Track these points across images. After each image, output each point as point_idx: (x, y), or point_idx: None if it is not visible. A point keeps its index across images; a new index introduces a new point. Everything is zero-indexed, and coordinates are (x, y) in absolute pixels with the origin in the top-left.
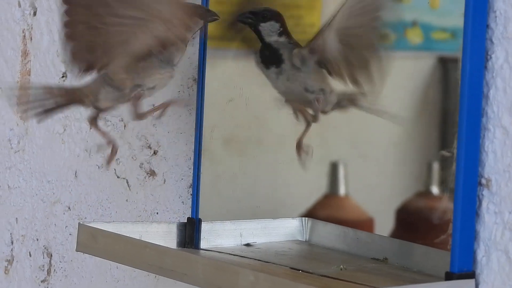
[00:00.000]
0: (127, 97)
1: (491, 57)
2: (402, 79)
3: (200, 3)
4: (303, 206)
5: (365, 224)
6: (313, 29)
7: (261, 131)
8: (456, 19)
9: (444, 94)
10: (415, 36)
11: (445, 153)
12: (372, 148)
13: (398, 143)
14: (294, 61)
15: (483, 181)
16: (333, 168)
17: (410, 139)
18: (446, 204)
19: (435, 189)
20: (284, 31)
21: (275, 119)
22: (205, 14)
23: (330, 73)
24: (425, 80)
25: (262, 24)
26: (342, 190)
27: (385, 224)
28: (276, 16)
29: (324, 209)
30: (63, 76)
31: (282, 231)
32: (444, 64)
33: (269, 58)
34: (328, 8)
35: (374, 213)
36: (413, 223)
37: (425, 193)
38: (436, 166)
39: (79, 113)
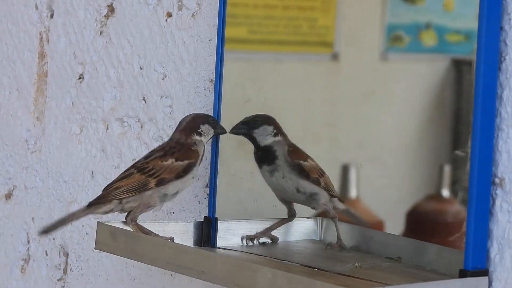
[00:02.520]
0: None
1: (505, 59)
2: (416, 81)
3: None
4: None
5: (376, 227)
6: (328, 31)
7: None
8: (470, 22)
9: (457, 96)
10: (429, 39)
11: (459, 153)
12: (383, 150)
13: (410, 145)
14: (287, 159)
15: (497, 180)
16: (344, 171)
17: (422, 141)
18: (458, 207)
19: (445, 192)
20: (278, 132)
21: (291, 119)
22: (215, 123)
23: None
24: (439, 82)
25: (255, 131)
26: (353, 193)
27: (396, 227)
28: (267, 120)
29: (336, 212)
30: (79, 78)
31: (297, 230)
32: (458, 66)
33: (261, 157)
34: (342, 11)
35: (385, 216)
36: (423, 226)
37: (436, 195)
38: (447, 169)
39: (96, 114)
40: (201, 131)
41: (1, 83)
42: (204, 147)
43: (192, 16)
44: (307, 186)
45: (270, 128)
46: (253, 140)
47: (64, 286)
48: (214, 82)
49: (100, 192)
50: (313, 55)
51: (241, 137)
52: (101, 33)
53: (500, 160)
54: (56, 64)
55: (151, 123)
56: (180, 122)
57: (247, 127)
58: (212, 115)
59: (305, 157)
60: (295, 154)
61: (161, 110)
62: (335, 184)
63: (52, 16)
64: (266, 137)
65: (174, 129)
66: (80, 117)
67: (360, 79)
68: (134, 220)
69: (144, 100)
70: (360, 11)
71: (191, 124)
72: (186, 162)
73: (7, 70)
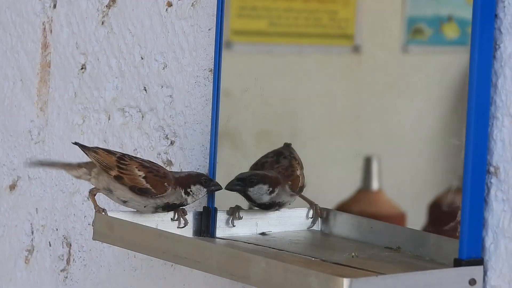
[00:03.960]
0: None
1: (499, 47)
2: (438, 73)
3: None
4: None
5: (397, 219)
6: (348, 23)
7: (277, 120)
8: None
9: None
10: (451, 31)
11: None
12: (405, 142)
13: (432, 137)
14: (293, 193)
15: (492, 169)
16: (367, 163)
17: (444, 133)
18: None
19: None
20: (273, 189)
21: (313, 112)
22: (207, 182)
23: None
24: (461, 75)
25: (250, 189)
26: (375, 185)
27: (418, 219)
28: (263, 179)
29: (357, 204)
30: (82, 68)
31: (297, 221)
32: None
33: (268, 206)
34: (363, 3)
35: (407, 208)
36: (445, 218)
37: (459, 188)
38: None
39: (98, 104)
40: (190, 191)
41: (5, 74)
42: (181, 203)
43: (192, 6)
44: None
45: (265, 187)
46: (247, 197)
47: (67, 277)
48: (213, 72)
49: None
50: (334, 48)
51: (242, 127)
52: (102, 23)
53: (495, 148)
54: (59, 55)
55: (152, 113)
56: (179, 172)
57: (243, 184)
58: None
59: (296, 173)
60: (296, 182)
61: (161, 100)
62: (358, 176)
63: (55, 6)
64: (261, 196)
65: (174, 119)
66: (83, 108)
67: (381, 71)
68: (92, 193)
69: (145, 90)
70: (381, 3)
71: (184, 181)
72: (147, 185)
73: (10, 61)
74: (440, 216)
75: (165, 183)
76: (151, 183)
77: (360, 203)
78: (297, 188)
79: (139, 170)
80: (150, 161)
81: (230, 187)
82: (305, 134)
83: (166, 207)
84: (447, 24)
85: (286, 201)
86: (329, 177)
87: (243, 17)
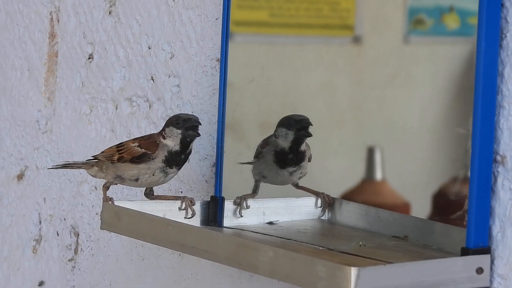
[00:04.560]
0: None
1: (505, 36)
2: (439, 64)
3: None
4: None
5: (401, 209)
6: (349, 14)
7: (283, 109)
8: None
9: None
10: (452, 22)
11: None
12: (407, 133)
13: (434, 127)
14: (310, 156)
15: (498, 158)
16: (370, 153)
17: (446, 123)
18: None
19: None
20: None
21: (316, 103)
22: (180, 123)
23: None
24: (462, 65)
25: None
26: (378, 175)
27: (421, 209)
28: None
29: (361, 194)
30: (89, 58)
31: (304, 210)
32: None
33: (292, 159)
34: None
35: (410, 198)
36: (448, 208)
37: (462, 178)
38: None
39: (105, 94)
40: (165, 133)
41: (13, 64)
42: (169, 150)
43: None
44: (305, 171)
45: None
46: (298, 141)
47: (75, 266)
48: (220, 61)
49: None
50: (335, 38)
51: (249, 116)
52: (110, 13)
53: (501, 137)
54: (66, 44)
55: (159, 103)
56: None
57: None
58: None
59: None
60: (309, 148)
61: (169, 90)
62: (359, 167)
63: None
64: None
65: (181, 109)
66: (90, 97)
67: (382, 62)
68: (105, 186)
69: (153, 80)
70: None
71: (163, 127)
72: (142, 150)
73: (18, 51)
74: (443, 206)
75: (156, 141)
76: (145, 147)
77: (364, 193)
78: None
79: (133, 143)
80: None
81: (308, 133)
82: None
83: (170, 162)
84: (448, 14)
85: (305, 161)
86: (332, 168)
87: (244, 8)
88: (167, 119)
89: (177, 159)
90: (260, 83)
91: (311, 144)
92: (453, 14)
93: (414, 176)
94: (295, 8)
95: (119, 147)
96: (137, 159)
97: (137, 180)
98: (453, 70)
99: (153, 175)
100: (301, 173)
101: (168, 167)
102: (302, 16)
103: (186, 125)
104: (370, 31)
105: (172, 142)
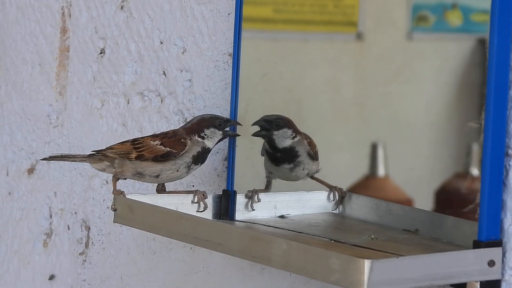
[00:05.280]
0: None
1: None
2: (442, 61)
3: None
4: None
5: (406, 204)
6: (353, 10)
7: (295, 104)
8: None
9: (483, 76)
10: (455, 18)
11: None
12: (410, 129)
13: (437, 124)
14: (309, 152)
15: (510, 151)
16: (373, 149)
17: (449, 120)
18: None
19: (474, 170)
20: (296, 134)
21: (319, 99)
22: (222, 125)
23: None
24: (465, 62)
25: (275, 132)
26: (381, 171)
27: (424, 205)
28: (288, 123)
29: (364, 190)
30: (101, 53)
31: (315, 204)
32: (484, 46)
33: (280, 158)
34: None
35: (413, 194)
36: (452, 204)
37: (465, 174)
38: (475, 147)
39: (117, 88)
40: (205, 134)
41: (24, 58)
42: (203, 148)
43: None
44: (315, 167)
45: (290, 132)
46: (271, 141)
47: (86, 260)
48: (232, 56)
49: None
50: (339, 35)
51: (261, 110)
52: (122, 7)
53: None
54: (77, 39)
55: (171, 97)
56: (191, 120)
57: (269, 127)
58: (223, 115)
59: (312, 140)
60: (312, 144)
61: (181, 84)
62: (363, 163)
63: None
64: (285, 139)
65: (193, 103)
66: (102, 92)
67: (386, 58)
68: (115, 177)
69: (164, 74)
70: None
71: (195, 126)
72: (167, 149)
73: (29, 45)
74: (449, 201)
75: (181, 139)
76: (169, 145)
77: (367, 189)
78: (314, 150)
79: (153, 141)
80: (158, 133)
81: (257, 133)
82: (310, 120)
83: (196, 160)
84: (451, 11)
85: (303, 157)
86: (335, 164)
87: (248, 4)
88: (196, 118)
89: (205, 156)
90: (272, 78)
91: (315, 140)
92: (456, 11)
93: (417, 172)
94: (300, 4)
95: (136, 144)
96: (161, 158)
97: (158, 176)
98: (456, 66)
99: (177, 171)
100: (303, 169)
101: (193, 163)
102: (307, 12)
103: (228, 126)
104: (374, 28)
105: (211, 143)
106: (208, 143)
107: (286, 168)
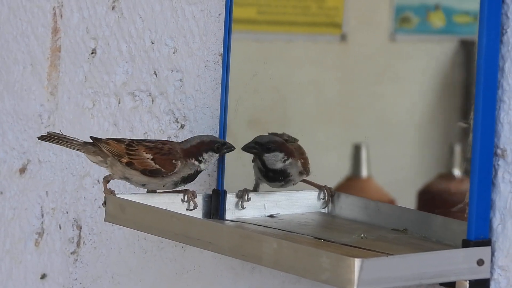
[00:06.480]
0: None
1: (506, 32)
2: (425, 62)
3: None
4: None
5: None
6: (337, 12)
7: (285, 104)
8: (478, 3)
9: (466, 77)
10: (437, 20)
11: (462, 124)
12: (393, 130)
13: (419, 125)
14: (301, 171)
15: (499, 151)
16: (356, 150)
17: (432, 121)
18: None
19: (457, 171)
20: (288, 158)
21: (303, 100)
22: (220, 148)
23: None
24: (448, 63)
25: (266, 155)
26: (364, 172)
27: (407, 206)
28: (280, 147)
29: (347, 191)
30: (92, 53)
31: (305, 203)
32: (467, 47)
33: (272, 177)
34: None
35: (396, 195)
36: (434, 204)
37: (447, 174)
38: (458, 148)
39: (108, 88)
40: (202, 158)
41: (15, 58)
42: (196, 170)
43: None
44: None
45: (281, 155)
46: (262, 161)
47: (77, 259)
48: (222, 56)
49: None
50: (322, 36)
51: (251, 110)
52: (113, 8)
53: (502, 131)
54: (69, 39)
55: (162, 97)
56: (189, 140)
57: (260, 149)
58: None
59: (306, 157)
60: (305, 163)
61: (171, 84)
62: (347, 163)
63: None
64: (276, 162)
65: (184, 103)
66: (93, 92)
67: (369, 59)
68: (106, 179)
69: (155, 74)
70: None
71: (194, 150)
72: (156, 166)
73: (21, 45)
74: (429, 202)
75: (173, 160)
76: (159, 163)
77: (350, 190)
78: (307, 168)
79: (146, 153)
80: (155, 140)
81: (247, 149)
82: (294, 121)
83: (185, 180)
84: (433, 12)
85: (294, 176)
86: (320, 165)
87: (235, 5)
88: (195, 140)
89: (195, 177)
90: (261, 78)
91: (299, 141)
92: (439, 12)
93: (400, 173)
94: (283, 6)
95: (129, 149)
96: (149, 173)
97: (144, 185)
98: (439, 67)
99: (163, 186)
100: (293, 184)
101: (182, 183)
102: (290, 13)
103: (223, 149)
104: (357, 29)
105: (205, 165)
106: (203, 166)
107: (278, 184)
